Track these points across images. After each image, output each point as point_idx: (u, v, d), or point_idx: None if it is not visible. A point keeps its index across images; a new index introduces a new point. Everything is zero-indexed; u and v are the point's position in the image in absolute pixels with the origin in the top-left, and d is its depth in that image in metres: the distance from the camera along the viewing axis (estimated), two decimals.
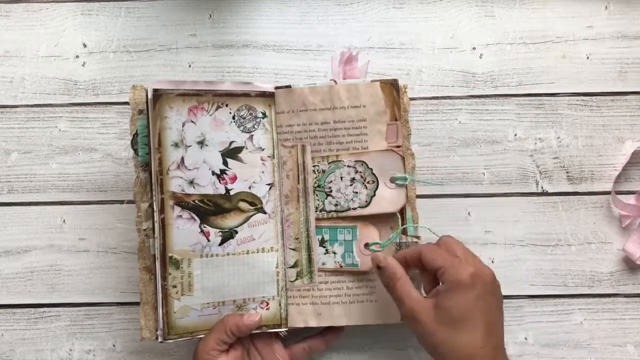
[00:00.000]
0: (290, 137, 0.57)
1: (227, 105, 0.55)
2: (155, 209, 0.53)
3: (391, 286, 0.51)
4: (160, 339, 0.54)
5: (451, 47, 0.63)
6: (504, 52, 0.63)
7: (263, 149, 0.56)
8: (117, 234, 0.62)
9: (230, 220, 0.55)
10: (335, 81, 0.57)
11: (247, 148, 0.55)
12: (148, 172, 0.54)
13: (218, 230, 0.55)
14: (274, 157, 0.56)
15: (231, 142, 0.55)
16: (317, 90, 0.56)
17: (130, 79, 0.63)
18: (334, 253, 0.57)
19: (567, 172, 0.62)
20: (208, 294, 0.55)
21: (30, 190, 0.62)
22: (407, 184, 0.56)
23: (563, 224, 0.61)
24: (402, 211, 0.56)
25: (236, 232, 0.55)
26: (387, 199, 0.56)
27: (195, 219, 0.54)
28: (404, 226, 0.56)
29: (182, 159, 0.54)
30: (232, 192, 0.55)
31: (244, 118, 0.55)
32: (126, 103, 0.62)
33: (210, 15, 0.64)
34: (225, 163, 0.55)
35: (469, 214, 0.62)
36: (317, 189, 0.57)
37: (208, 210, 0.54)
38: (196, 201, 0.54)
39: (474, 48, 0.63)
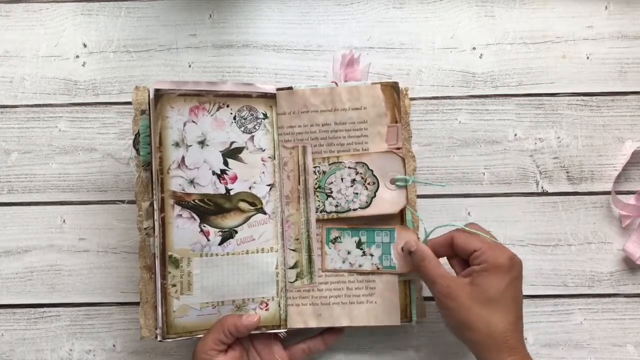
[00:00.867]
0: (291, 138, 0.57)
1: (228, 106, 0.55)
2: (155, 208, 0.53)
3: (423, 267, 0.52)
4: (159, 338, 0.54)
5: (451, 47, 0.63)
6: (504, 52, 0.63)
7: (264, 150, 0.56)
8: (117, 234, 0.62)
9: (230, 220, 0.55)
10: (336, 83, 0.57)
11: (247, 148, 0.55)
12: (149, 171, 0.54)
13: (218, 229, 0.55)
14: (274, 158, 0.57)
15: (232, 143, 0.55)
16: (318, 92, 0.56)
17: (130, 79, 0.63)
18: (372, 255, 0.57)
19: (567, 172, 0.62)
20: (207, 293, 0.55)
21: (30, 190, 0.62)
22: (407, 186, 0.56)
23: (563, 224, 0.61)
24: (402, 212, 0.56)
25: (236, 232, 0.55)
26: (388, 200, 0.56)
27: (195, 219, 0.54)
28: (448, 224, 0.55)
29: (183, 158, 0.54)
30: (232, 192, 0.55)
31: (244, 119, 0.55)
32: (126, 103, 0.62)
33: (210, 15, 0.64)
34: (225, 163, 0.55)
35: (469, 214, 0.62)
36: (318, 190, 0.57)
37: (208, 209, 0.54)
38: (196, 200, 0.54)
39: (474, 48, 0.63)
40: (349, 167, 0.56)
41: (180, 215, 0.54)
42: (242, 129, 0.55)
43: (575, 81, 0.62)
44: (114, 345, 0.61)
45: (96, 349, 0.61)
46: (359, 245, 0.57)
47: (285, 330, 0.56)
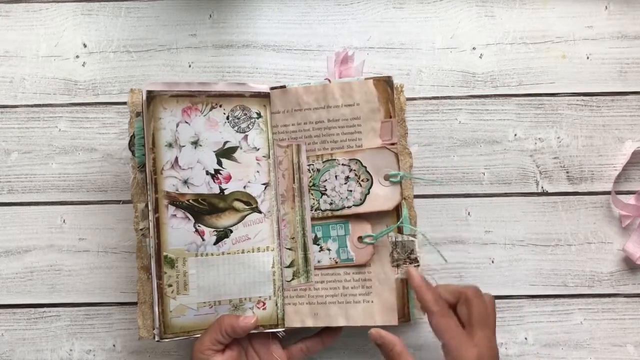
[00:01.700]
0: (286, 137, 0.57)
1: (221, 106, 0.55)
2: (149, 209, 0.53)
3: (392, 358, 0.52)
4: (156, 338, 0.54)
5: (451, 47, 0.63)
6: (504, 52, 0.63)
7: (258, 149, 0.56)
8: (117, 234, 0.62)
9: (225, 220, 0.55)
10: (329, 80, 0.56)
11: (241, 148, 0.56)
12: (144, 172, 0.54)
13: (213, 229, 0.55)
14: (269, 157, 0.57)
15: (225, 142, 0.55)
16: (311, 90, 0.56)
17: (130, 79, 0.63)
18: (329, 250, 0.57)
19: (567, 172, 0.62)
20: (204, 293, 0.55)
21: (30, 190, 0.62)
22: (401, 181, 0.56)
23: (563, 224, 0.61)
24: (398, 209, 0.56)
25: (231, 232, 0.55)
26: (382, 197, 0.56)
27: (189, 218, 0.54)
28: (399, 223, 0.56)
29: (176, 158, 0.54)
30: (226, 192, 0.55)
31: (238, 118, 0.56)
32: (126, 103, 0.62)
33: (210, 15, 0.64)
34: (219, 163, 0.55)
35: (468, 214, 0.62)
36: (312, 188, 0.57)
37: (202, 209, 0.54)
38: (190, 200, 0.54)
39: (474, 48, 0.63)
40: (342, 165, 0.56)
41: (175, 215, 0.54)
42: (236, 128, 0.56)
43: (575, 81, 0.62)
44: (113, 345, 0.61)
45: (96, 349, 0.61)
46: (315, 241, 0.57)
47: (284, 329, 0.56)
